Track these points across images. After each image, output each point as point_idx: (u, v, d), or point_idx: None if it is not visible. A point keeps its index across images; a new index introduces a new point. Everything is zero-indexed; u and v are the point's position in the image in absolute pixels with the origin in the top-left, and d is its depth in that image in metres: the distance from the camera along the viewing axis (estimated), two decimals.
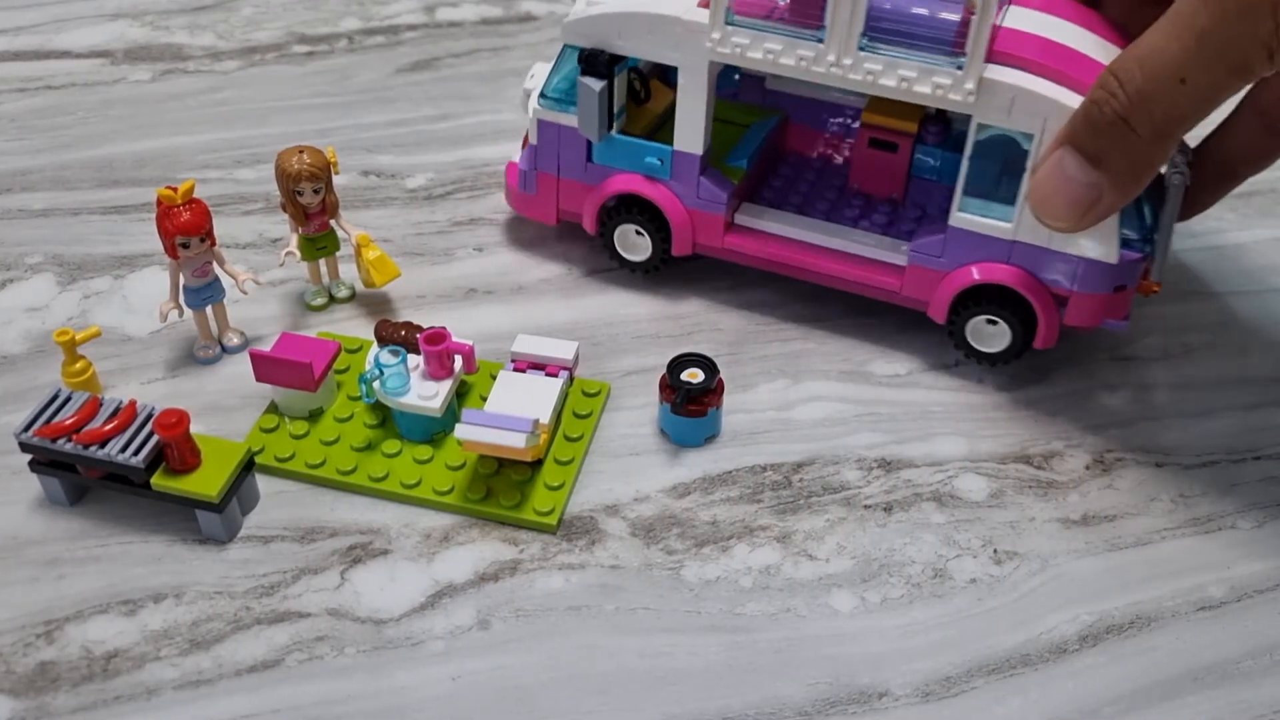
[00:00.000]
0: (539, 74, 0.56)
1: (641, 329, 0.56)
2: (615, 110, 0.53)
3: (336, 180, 0.54)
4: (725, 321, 0.56)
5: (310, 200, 0.53)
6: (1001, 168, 0.49)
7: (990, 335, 0.52)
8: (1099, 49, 0.48)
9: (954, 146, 0.56)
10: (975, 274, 0.51)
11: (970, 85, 0.46)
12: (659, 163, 0.54)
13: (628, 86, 0.55)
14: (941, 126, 0.58)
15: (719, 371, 0.50)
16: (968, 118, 0.55)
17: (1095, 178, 0.43)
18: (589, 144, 0.55)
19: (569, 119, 0.54)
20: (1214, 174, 0.51)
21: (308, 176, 0.52)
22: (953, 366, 0.55)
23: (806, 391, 0.53)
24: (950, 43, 0.46)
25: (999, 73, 0.46)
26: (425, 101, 0.72)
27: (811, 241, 0.55)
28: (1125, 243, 0.49)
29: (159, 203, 0.50)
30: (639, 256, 0.57)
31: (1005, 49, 0.46)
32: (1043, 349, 0.52)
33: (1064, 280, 0.50)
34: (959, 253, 0.51)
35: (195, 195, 0.50)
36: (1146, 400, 0.53)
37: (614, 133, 0.54)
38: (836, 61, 0.48)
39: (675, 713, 0.41)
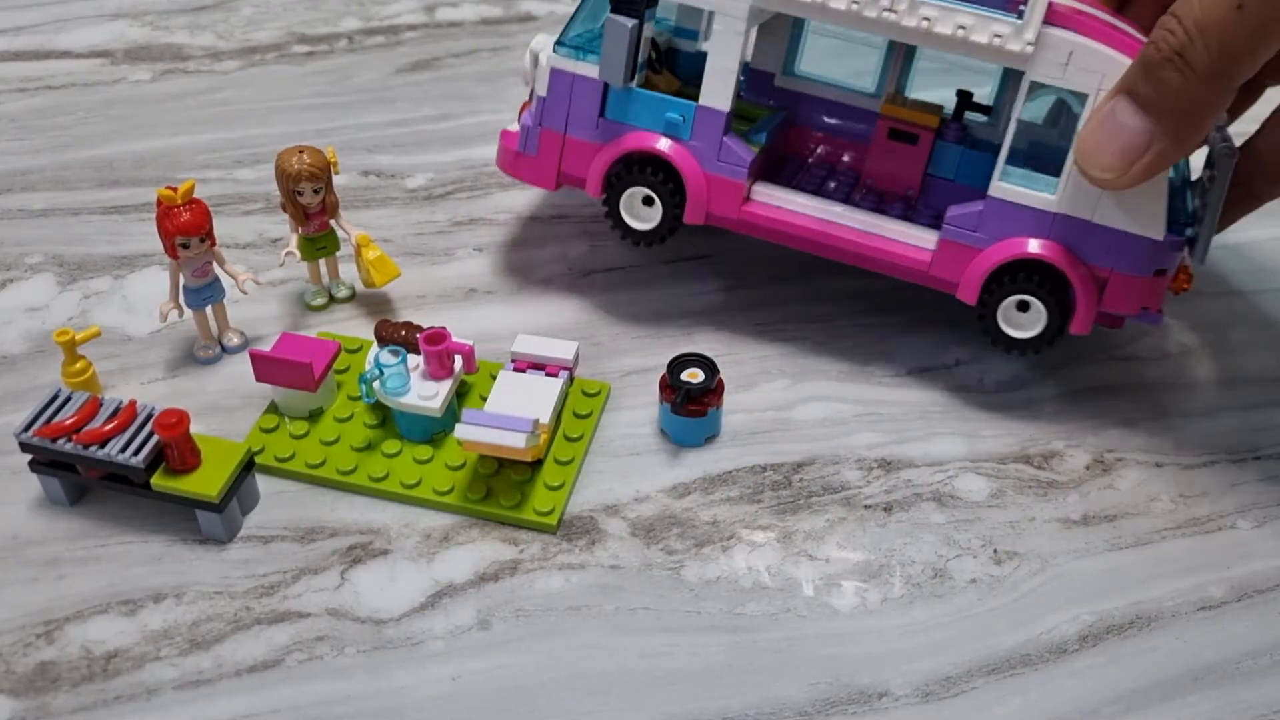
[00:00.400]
0: (544, 40, 0.53)
1: (641, 329, 0.56)
2: (640, 60, 0.51)
3: (336, 180, 0.54)
4: (725, 321, 0.56)
5: (310, 200, 0.53)
6: (1046, 137, 0.48)
7: (1021, 320, 0.50)
8: (1144, 34, 0.47)
9: (973, 145, 0.55)
10: (1014, 248, 0.48)
11: (1030, 35, 0.45)
12: (681, 119, 0.51)
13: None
14: (959, 126, 0.56)
15: (719, 371, 0.50)
16: (988, 122, 0.54)
17: (1147, 123, 0.42)
18: (603, 98, 0.52)
19: (586, 68, 0.51)
20: (1261, 173, 0.49)
21: (308, 176, 0.52)
22: (953, 367, 0.55)
23: (806, 391, 0.53)
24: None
25: (1057, 30, 0.45)
26: (425, 101, 0.72)
27: (835, 220, 0.52)
28: (1169, 224, 0.47)
29: (159, 203, 0.50)
30: (646, 224, 0.53)
31: (1061, 13, 0.45)
32: (1077, 334, 0.50)
33: (1105, 260, 0.48)
34: (996, 225, 0.49)
35: (195, 195, 0.50)
36: (1147, 400, 0.53)
37: (635, 85, 0.51)
38: (890, 6, 0.46)
39: (675, 713, 0.41)
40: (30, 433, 0.45)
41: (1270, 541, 0.47)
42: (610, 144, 0.52)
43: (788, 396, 0.53)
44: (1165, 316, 0.49)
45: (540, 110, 0.53)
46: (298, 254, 0.55)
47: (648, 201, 0.53)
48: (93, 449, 0.44)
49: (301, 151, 0.53)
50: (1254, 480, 0.50)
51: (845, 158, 0.59)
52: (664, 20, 0.58)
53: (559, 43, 0.52)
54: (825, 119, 0.59)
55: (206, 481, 0.44)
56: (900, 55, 0.56)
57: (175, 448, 0.44)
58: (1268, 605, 0.45)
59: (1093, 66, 0.45)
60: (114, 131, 0.68)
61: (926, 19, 0.46)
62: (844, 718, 0.41)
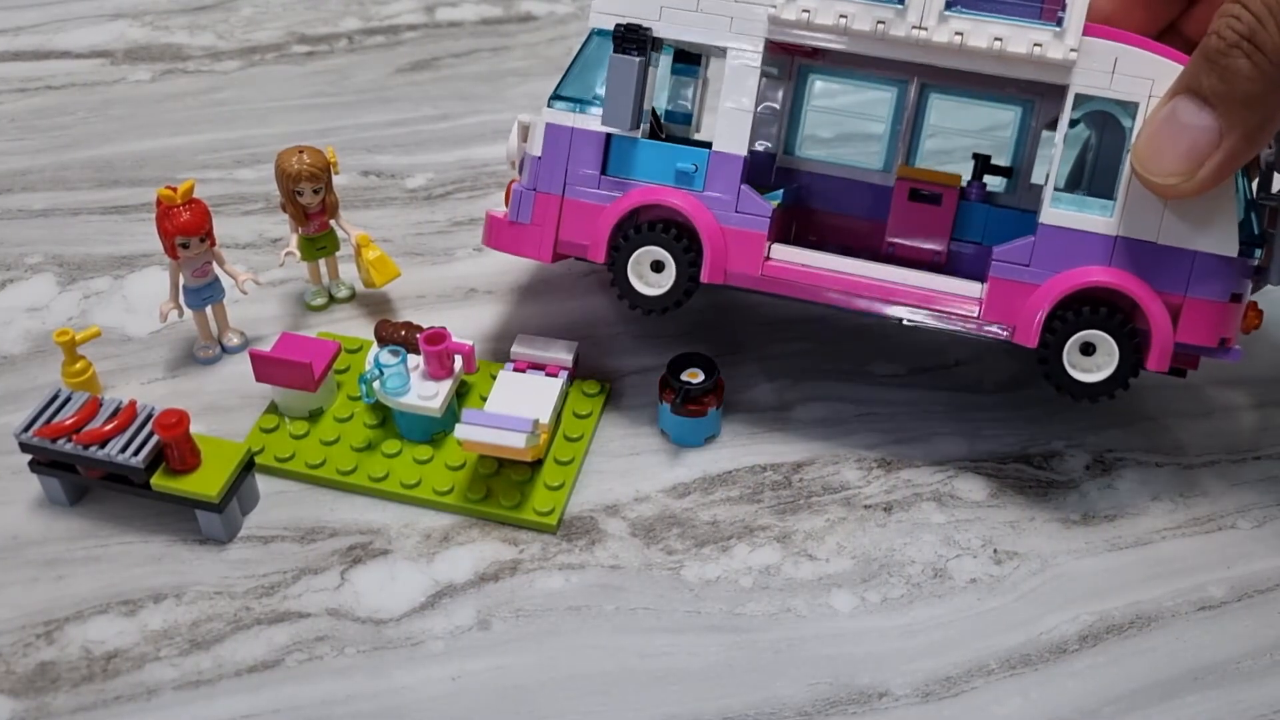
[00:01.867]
0: (530, 118, 0.50)
1: (641, 329, 0.56)
2: (645, 108, 0.47)
3: (336, 180, 0.54)
4: (725, 321, 0.56)
5: (310, 200, 0.53)
6: (1096, 159, 0.45)
7: (1088, 364, 0.45)
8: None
9: (999, 203, 0.52)
10: (1076, 279, 0.44)
11: (1072, 41, 0.42)
12: (693, 169, 0.47)
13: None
14: (982, 185, 0.52)
15: (719, 371, 0.50)
16: (1009, 190, 0.51)
17: (1214, 119, 0.39)
18: (605, 152, 0.47)
19: (585, 120, 0.47)
20: None
21: (308, 176, 0.52)
22: (953, 366, 0.55)
23: (806, 391, 0.53)
24: (1039, 6, 0.43)
25: (1098, 39, 0.43)
26: (425, 101, 0.72)
27: (867, 276, 0.47)
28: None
29: (159, 203, 0.50)
30: (657, 290, 0.48)
31: (1098, 30, 0.43)
32: (1156, 370, 0.45)
33: (1176, 285, 0.44)
34: (1052, 257, 0.44)
35: (195, 195, 0.50)
36: (1147, 400, 0.53)
37: (641, 134, 0.47)
38: (919, 23, 0.43)
39: (675, 713, 0.41)
40: (30, 433, 0.45)
41: (1270, 542, 0.47)
42: (615, 202, 0.47)
43: (788, 396, 0.53)
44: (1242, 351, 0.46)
45: (535, 173, 0.48)
46: (298, 254, 0.55)
47: (657, 267, 0.48)
48: (93, 449, 0.44)
49: (301, 151, 0.53)
50: (1254, 480, 0.50)
51: (859, 238, 0.53)
52: (656, 105, 0.53)
53: (555, 95, 0.48)
54: (834, 198, 0.54)
55: (206, 481, 0.44)
56: (907, 129, 0.52)
57: (175, 448, 0.44)
58: (1268, 605, 0.45)
59: (1142, 72, 0.42)
60: (114, 131, 0.68)
61: (959, 33, 0.43)
62: (844, 718, 0.41)
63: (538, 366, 0.50)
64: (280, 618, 0.43)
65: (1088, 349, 0.45)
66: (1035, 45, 0.43)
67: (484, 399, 0.50)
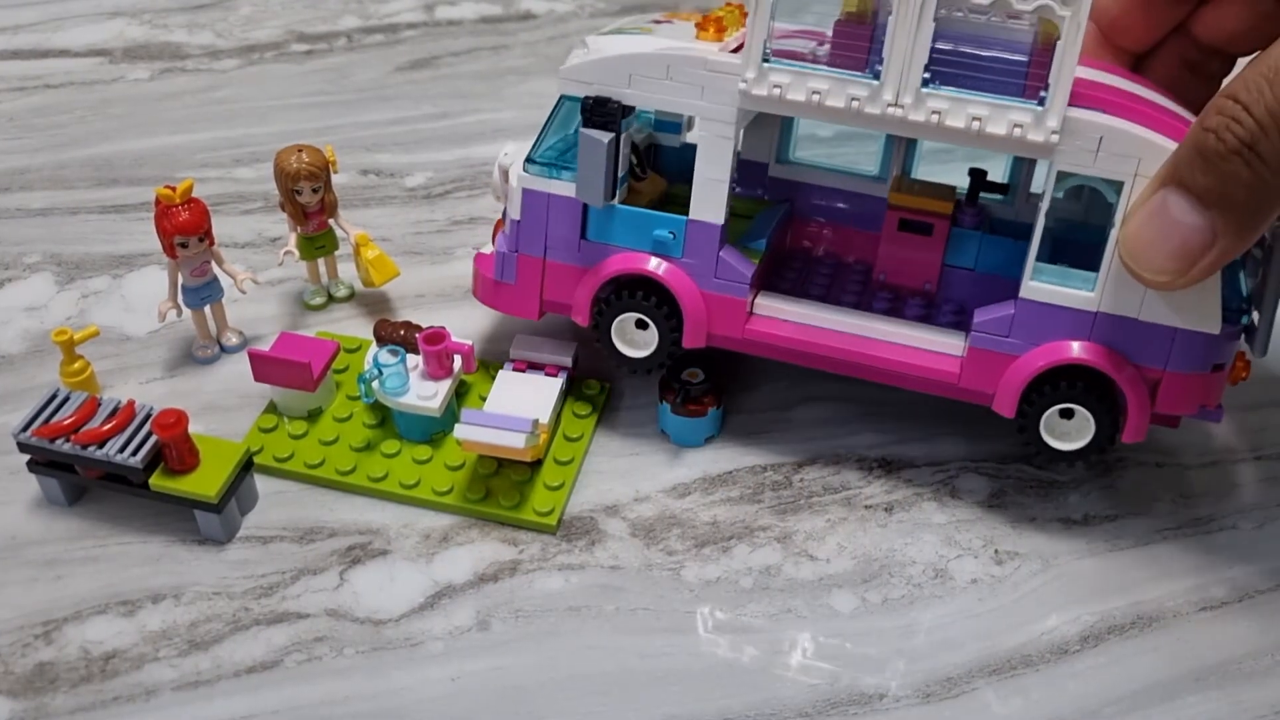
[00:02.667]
0: (513, 152, 0.48)
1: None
2: (620, 173, 0.46)
3: (335, 179, 0.54)
4: None
5: (309, 199, 0.53)
6: (1080, 228, 0.44)
7: (1064, 432, 0.45)
8: (1172, 102, 0.43)
9: (992, 229, 0.50)
10: (1053, 354, 0.44)
11: (1053, 123, 0.40)
12: (671, 236, 0.46)
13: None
14: (976, 210, 0.51)
15: (719, 371, 0.49)
16: (1005, 201, 0.50)
17: (1207, 219, 0.37)
18: (584, 218, 0.47)
19: (562, 186, 0.46)
20: None
21: (306, 175, 0.52)
22: None
23: (807, 391, 0.53)
24: (1022, 82, 0.41)
25: (1081, 113, 0.41)
26: (424, 100, 0.72)
27: (848, 331, 0.47)
28: (1224, 314, 0.43)
29: (157, 202, 0.50)
30: (642, 352, 0.48)
31: (1084, 92, 0.41)
32: (1131, 442, 0.45)
33: (1156, 360, 0.43)
34: (1031, 329, 0.44)
35: (194, 194, 0.50)
36: None
37: (616, 202, 0.46)
38: (895, 100, 0.41)
39: (675, 713, 0.41)
40: (28, 433, 0.45)
41: (1271, 542, 0.47)
42: (595, 268, 0.47)
43: (788, 396, 0.53)
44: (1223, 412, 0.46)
45: (515, 235, 0.48)
46: (296, 253, 0.55)
47: (641, 324, 0.48)
48: (91, 449, 0.44)
49: (300, 150, 0.52)
50: (1255, 481, 0.50)
51: (853, 249, 0.54)
52: (643, 114, 0.51)
53: (529, 160, 0.47)
54: (828, 208, 0.54)
55: (205, 482, 0.44)
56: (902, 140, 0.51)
57: (174, 448, 0.44)
58: (1269, 605, 0.45)
59: (1127, 151, 0.40)
60: (112, 130, 0.68)
61: (936, 113, 0.41)
62: (844, 718, 0.41)
63: (537, 366, 0.50)
64: (279, 618, 0.43)
65: (1066, 413, 0.45)
66: (1016, 126, 0.41)
67: (483, 399, 0.50)
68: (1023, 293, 0.44)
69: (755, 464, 0.50)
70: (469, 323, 0.55)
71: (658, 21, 0.50)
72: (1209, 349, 0.43)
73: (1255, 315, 0.44)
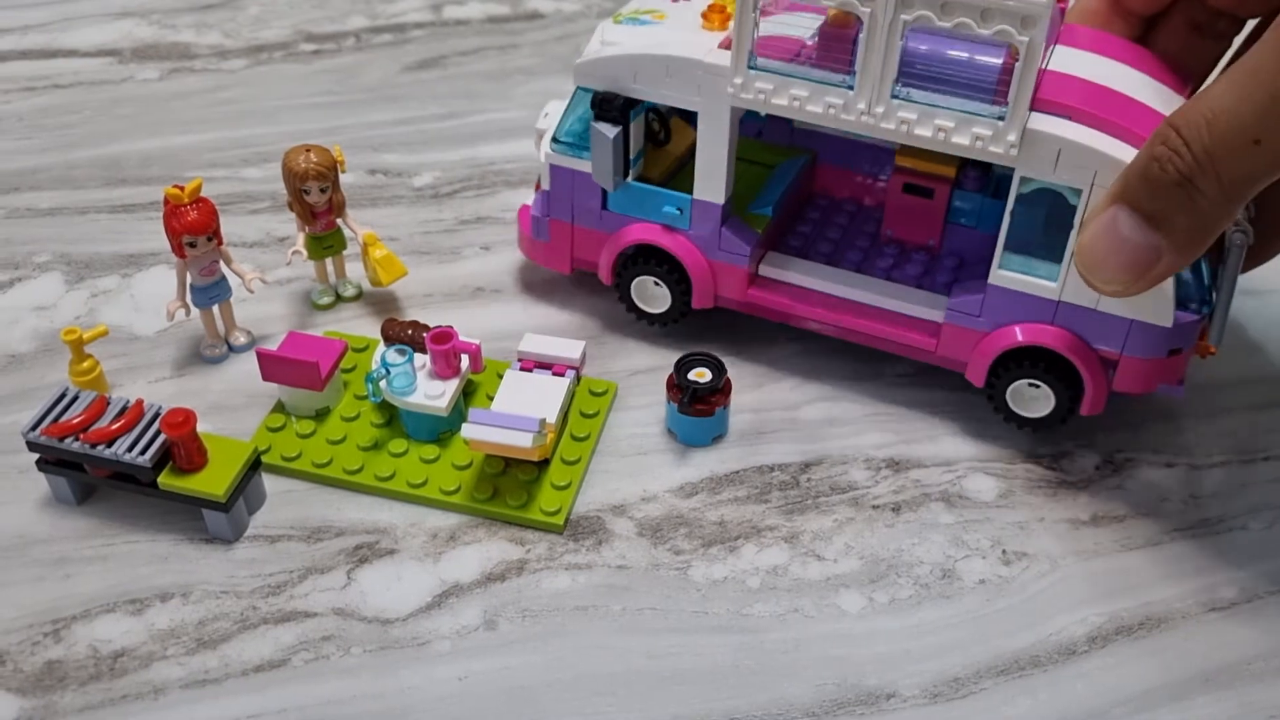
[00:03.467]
0: (553, 112, 0.53)
1: (649, 328, 0.56)
2: (631, 156, 0.50)
3: (343, 179, 0.54)
4: (732, 320, 0.56)
5: (317, 199, 0.53)
6: (1046, 222, 0.45)
7: (1031, 398, 0.49)
8: (1151, 92, 0.45)
9: (994, 192, 0.53)
10: (1017, 335, 0.47)
11: (1012, 137, 0.43)
12: (678, 212, 0.51)
13: (646, 127, 0.52)
14: (980, 171, 0.53)
15: (726, 371, 0.49)
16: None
17: (1154, 239, 0.39)
18: (604, 192, 0.52)
19: (583, 164, 0.51)
20: (1277, 221, 0.46)
21: (314, 175, 0.52)
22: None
23: (814, 391, 0.53)
24: (992, 88, 0.43)
25: (1043, 123, 0.43)
26: (432, 100, 0.72)
27: (840, 295, 0.51)
28: (1181, 303, 0.45)
29: (166, 202, 0.50)
30: (657, 308, 0.54)
31: (1050, 96, 0.43)
32: (1089, 415, 0.49)
33: (1113, 344, 0.46)
34: (999, 312, 0.47)
35: (202, 194, 0.50)
36: (1157, 400, 0.53)
37: (630, 180, 0.51)
38: (868, 110, 0.44)
39: (682, 713, 0.41)
40: (38, 432, 0.45)
41: None
42: (615, 235, 0.53)
43: (795, 396, 0.53)
44: (1185, 387, 0.48)
45: (546, 202, 0.53)
46: (304, 253, 0.55)
47: (658, 284, 0.53)
48: (100, 448, 0.44)
49: (308, 150, 0.52)
50: (1265, 481, 0.49)
51: (872, 194, 0.58)
52: None
53: (555, 139, 0.51)
54: (849, 157, 0.57)
55: (213, 481, 0.44)
56: None
57: (182, 447, 0.44)
58: (1278, 607, 0.45)
59: (1084, 163, 0.43)
60: (121, 130, 0.68)
61: (905, 122, 0.44)
62: (852, 719, 0.41)
63: (545, 366, 0.50)
64: (287, 617, 0.43)
65: (1034, 385, 0.48)
66: (978, 139, 0.43)
67: (491, 398, 0.50)
68: (991, 280, 0.47)
69: (762, 464, 0.50)
70: (476, 322, 0.55)
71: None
72: (1163, 338, 0.46)
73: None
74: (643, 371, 0.54)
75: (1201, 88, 0.39)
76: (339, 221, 0.55)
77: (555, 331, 0.53)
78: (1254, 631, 0.44)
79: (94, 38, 0.77)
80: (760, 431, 0.51)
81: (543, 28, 0.79)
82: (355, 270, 0.57)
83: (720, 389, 0.49)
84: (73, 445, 0.45)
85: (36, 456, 0.46)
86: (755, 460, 0.50)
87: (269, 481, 0.48)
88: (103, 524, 0.47)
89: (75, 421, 0.45)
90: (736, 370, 0.52)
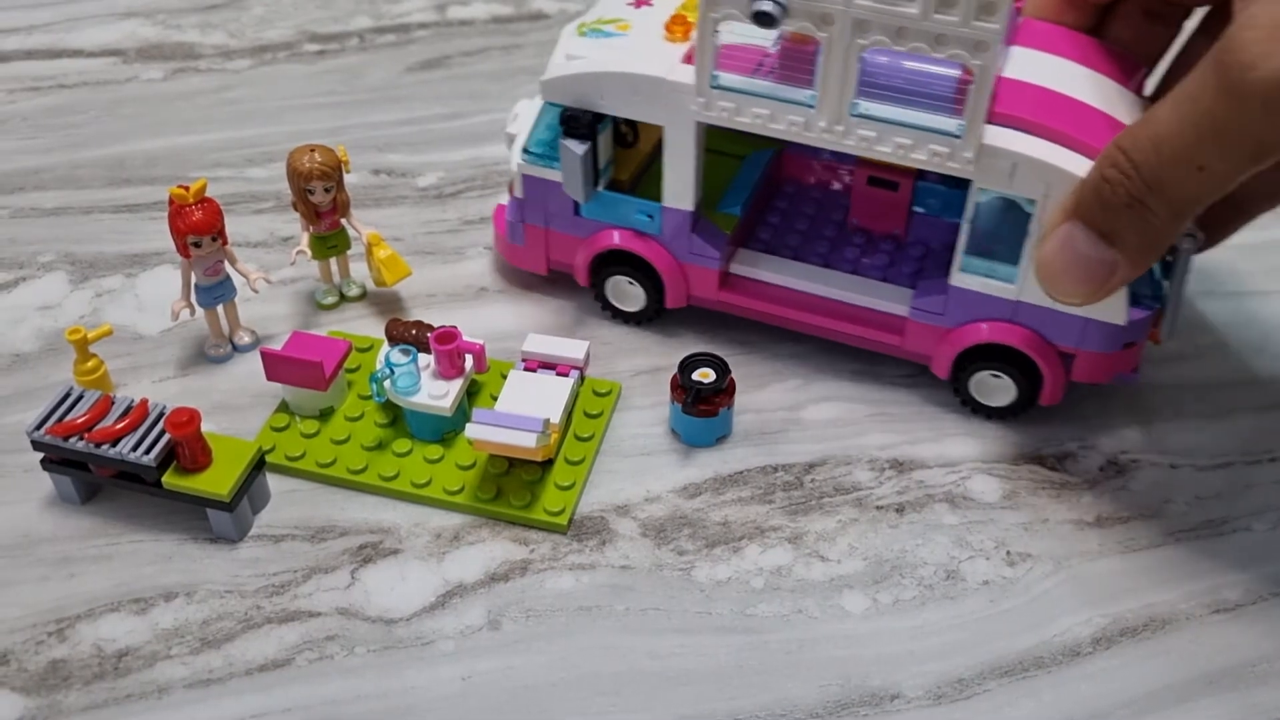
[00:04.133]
0: (522, 113, 0.53)
1: (652, 328, 0.56)
2: (601, 166, 0.51)
3: (347, 179, 0.54)
4: (737, 321, 0.56)
5: (321, 199, 0.53)
6: (1004, 225, 0.47)
7: (994, 388, 0.50)
8: (1104, 93, 0.46)
9: (958, 183, 0.52)
10: (978, 333, 0.49)
11: (969, 154, 0.44)
12: (649, 218, 0.52)
13: (614, 131, 0.52)
14: None
15: (730, 371, 0.49)
16: None
17: (1109, 254, 0.40)
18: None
19: (554, 174, 0.51)
20: (1226, 211, 0.47)
21: (319, 175, 0.52)
22: None
23: (818, 391, 0.53)
24: (951, 100, 0.44)
25: (999, 137, 0.44)
26: (436, 100, 0.72)
27: (809, 292, 0.53)
28: (1135, 299, 0.47)
29: (171, 201, 0.50)
30: (633, 307, 0.55)
31: (1005, 109, 0.44)
32: (1048, 405, 0.50)
33: (1070, 340, 0.48)
34: (961, 310, 0.49)
35: (207, 194, 0.50)
36: (1161, 401, 0.53)
37: (601, 189, 0.52)
38: (828, 127, 0.45)
39: (686, 714, 0.41)
40: (42, 431, 0.45)
41: None
42: (589, 239, 0.53)
43: (799, 396, 0.53)
44: (1139, 374, 0.50)
45: (520, 208, 0.54)
46: (309, 253, 0.55)
47: (633, 283, 0.54)
48: (104, 447, 0.44)
49: (313, 150, 0.53)
50: (1269, 482, 0.49)
51: (836, 188, 0.58)
52: None
53: (526, 150, 0.52)
54: (815, 149, 0.57)
55: (217, 480, 0.45)
56: None
57: (186, 446, 0.44)
58: None
59: (1039, 177, 0.44)
60: (126, 130, 0.68)
61: (865, 139, 0.45)
62: (855, 719, 0.41)
63: (548, 366, 0.50)
64: (291, 617, 0.43)
65: (997, 375, 0.50)
66: (935, 155, 0.45)
67: (494, 398, 0.50)
68: (953, 281, 0.49)
69: (766, 464, 0.50)
70: (480, 322, 0.55)
71: (636, 4, 0.53)
72: (1118, 333, 0.48)
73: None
74: (646, 372, 0.54)
75: (1149, 110, 0.39)
76: (343, 221, 0.55)
77: (559, 331, 0.53)
78: (1258, 633, 0.44)
79: (99, 38, 0.77)
80: (764, 432, 0.51)
81: (547, 28, 0.79)
82: (359, 270, 0.57)
83: (724, 389, 0.49)
84: (77, 445, 0.45)
85: (41, 456, 0.46)
86: (759, 461, 0.50)
87: (273, 481, 0.48)
88: (107, 523, 0.47)
89: (80, 421, 0.45)
90: (740, 370, 0.52)
